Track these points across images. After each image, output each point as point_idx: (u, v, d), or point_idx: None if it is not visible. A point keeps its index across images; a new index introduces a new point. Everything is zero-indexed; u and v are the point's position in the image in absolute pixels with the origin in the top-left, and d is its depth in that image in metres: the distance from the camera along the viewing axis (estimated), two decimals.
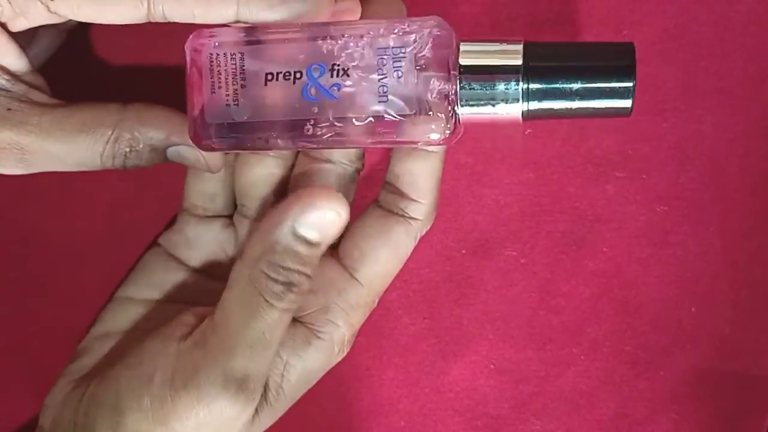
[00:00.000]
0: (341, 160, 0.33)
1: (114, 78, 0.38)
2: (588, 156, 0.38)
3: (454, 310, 0.39)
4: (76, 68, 0.37)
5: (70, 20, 0.30)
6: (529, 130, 0.38)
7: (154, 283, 0.35)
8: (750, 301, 0.39)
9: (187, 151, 0.32)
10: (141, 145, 0.31)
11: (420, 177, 0.32)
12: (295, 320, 0.32)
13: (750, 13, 0.37)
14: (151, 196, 0.38)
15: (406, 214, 0.32)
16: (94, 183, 0.37)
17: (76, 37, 0.36)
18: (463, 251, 0.38)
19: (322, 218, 0.29)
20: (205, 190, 0.35)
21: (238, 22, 0.30)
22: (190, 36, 0.30)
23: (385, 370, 0.39)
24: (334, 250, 0.34)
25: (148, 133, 0.31)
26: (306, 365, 0.32)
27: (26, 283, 0.38)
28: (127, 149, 0.31)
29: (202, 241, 0.35)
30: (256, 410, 0.31)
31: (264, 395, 0.31)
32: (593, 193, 0.38)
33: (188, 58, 0.30)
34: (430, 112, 0.29)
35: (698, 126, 0.38)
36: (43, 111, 0.31)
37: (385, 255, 0.33)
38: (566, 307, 0.39)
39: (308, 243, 0.29)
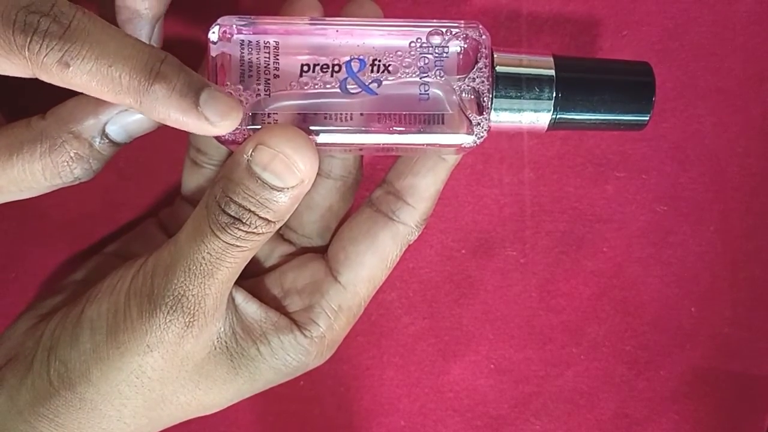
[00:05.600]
0: (340, 173, 0.33)
1: None
2: (588, 156, 0.38)
3: (454, 310, 0.39)
4: None
5: None
6: None
7: (143, 248, 0.35)
8: (750, 301, 0.39)
9: (123, 121, 0.29)
10: (75, 148, 0.28)
11: (423, 182, 0.32)
12: (283, 314, 0.32)
13: (750, 13, 0.37)
14: (151, 197, 0.38)
15: (395, 218, 0.32)
16: (95, 183, 0.37)
17: None
18: (463, 251, 0.38)
19: (277, 161, 0.27)
20: (201, 185, 0.35)
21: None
22: (217, 21, 0.28)
23: (385, 370, 0.39)
24: (325, 249, 0.33)
25: (75, 127, 0.28)
26: (282, 350, 0.31)
27: (25, 281, 0.38)
28: (68, 159, 0.28)
29: None
30: (210, 360, 0.30)
31: (226, 349, 0.30)
32: (593, 193, 0.38)
33: (214, 43, 0.28)
34: (468, 116, 0.29)
35: (698, 126, 0.38)
36: None
37: (369, 259, 0.32)
38: (566, 307, 0.39)
39: (263, 183, 0.27)
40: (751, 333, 0.39)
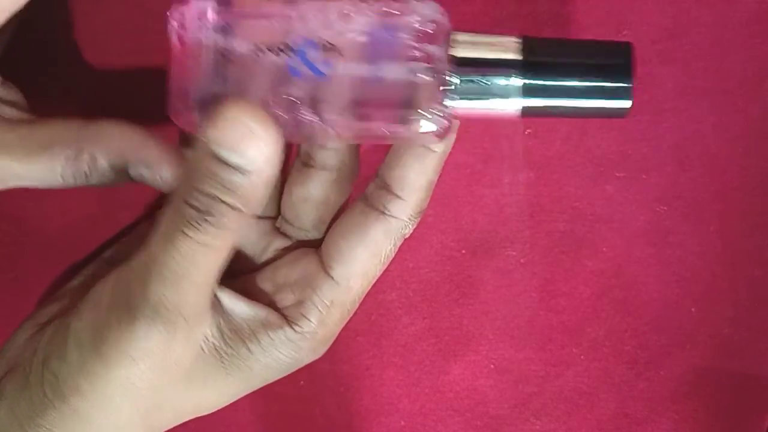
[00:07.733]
0: (335, 164, 0.33)
1: (103, 81, 0.38)
2: (588, 156, 0.38)
3: (454, 310, 0.39)
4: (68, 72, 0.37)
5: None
6: (528, 130, 0.38)
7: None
8: (750, 301, 0.39)
9: (144, 170, 0.31)
10: (99, 165, 0.30)
11: (411, 173, 0.31)
12: (275, 310, 0.31)
13: (750, 13, 0.37)
14: (151, 197, 0.38)
15: (386, 212, 0.31)
16: None
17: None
18: (463, 251, 0.38)
19: (232, 132, 0.26)
20: None
21: None
22: (173, 4, 0.28)
23: (385, 370, 0.39)
24: (318, 244, 0.33)
25: (103, 152, 0.30)
26: (273, 347, 0.31)
27: (24, 283, 0.38)
28: (86, 169, 0.30)
29: None
30: (200, 364, 0.30)
31: (215, 351, 0.30)
32: (593, 193, 0.38)
33: (172, 29, 0.28)
34: (422, 101, 0.27)
35: (698, 126, 0.38)
36: (9, 128, 0.30)
37: (362, 254, 0.31)
38: (566, 307, 0.39)
39: (231, 167, 0.26)
40: (751, 333, 0.39)
